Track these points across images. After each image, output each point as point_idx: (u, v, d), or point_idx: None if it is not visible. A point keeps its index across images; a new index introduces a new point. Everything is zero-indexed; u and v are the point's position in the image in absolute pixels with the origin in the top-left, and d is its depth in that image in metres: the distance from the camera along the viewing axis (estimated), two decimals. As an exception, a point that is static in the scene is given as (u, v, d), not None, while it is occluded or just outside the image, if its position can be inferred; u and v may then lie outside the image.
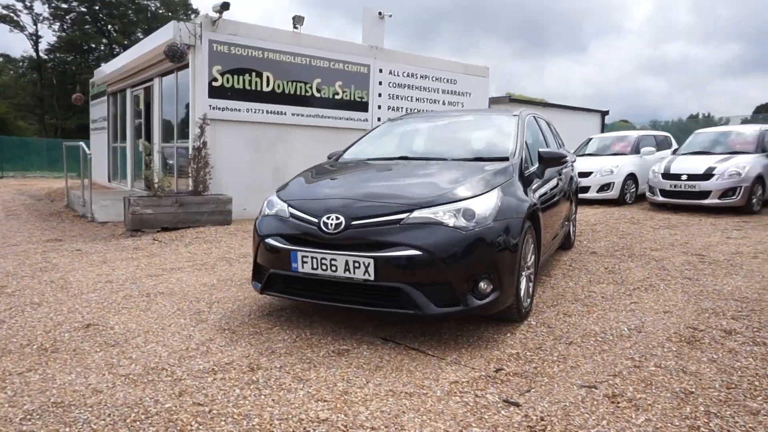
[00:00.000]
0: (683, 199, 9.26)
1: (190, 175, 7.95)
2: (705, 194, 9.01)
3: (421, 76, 10.65)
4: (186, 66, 8.56)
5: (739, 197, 8.82)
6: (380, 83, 10.07)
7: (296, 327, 3.55)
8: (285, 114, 8.96)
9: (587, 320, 3.71)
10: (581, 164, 10.01)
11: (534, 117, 5.28)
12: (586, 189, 10.34)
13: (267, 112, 8.77)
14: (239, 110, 8.51)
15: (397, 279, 3.10)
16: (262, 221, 3.74)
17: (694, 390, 2.61)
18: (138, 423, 2.28)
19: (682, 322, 3.64)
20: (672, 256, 5.77)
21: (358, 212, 3.27)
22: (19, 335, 3.35)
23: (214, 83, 8.22)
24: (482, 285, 3.18)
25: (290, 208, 3.57)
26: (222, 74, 8.29)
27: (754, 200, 8.99)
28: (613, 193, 10.43)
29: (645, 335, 3.39)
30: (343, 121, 9.66)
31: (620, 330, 3.49)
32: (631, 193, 10.71)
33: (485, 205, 3.30)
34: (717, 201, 8.94)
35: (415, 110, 10.58)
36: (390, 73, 10.19)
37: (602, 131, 15.31)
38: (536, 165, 4.38)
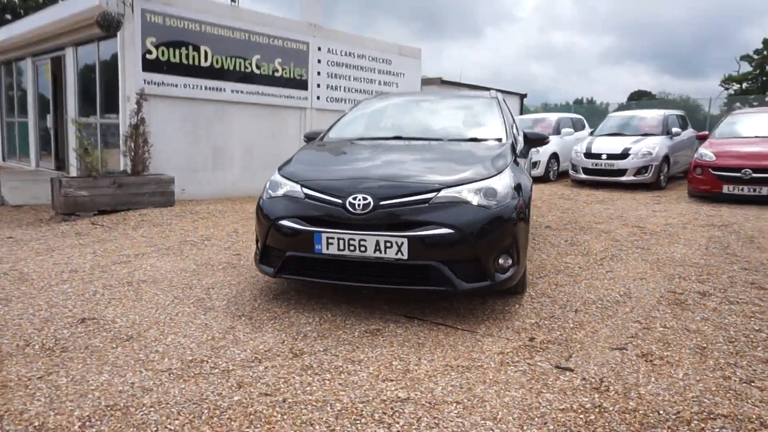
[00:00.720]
0: (604, 177, 10.13)
1: (125, 153, 7.31)
2: (622, 172, 9.93)
3: (359, 56, 10.56)
4: (110, 36, 7.80)
5: (650, 174, 9.82)
6: (319, 61, 9.85)
7: (312, 309, 3.48)
8: (224, 91, 8.49)
9: (579, 289, 4.01)
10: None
11: (503, 99, 5.50)
12: (515, 168, 10.95)
13: (205, 88, 8.25)
14: (176, 85, 7.92)
15: (430, 257, 3.14)
16: (268, 203, 3.59)
17: (706, 345, 2.95)
18: (216, 419, 2.15)
19: (660, 287, 4.05)
20: (616, 229, 6.33)
21: (386, 192, 3.26)
22: (8, 335, 2.97)
23: (148, 56, 7.57)
24: (501, 260, 3.32)
25: (305, 189, 3.46)
26: (157, 47, 7.65)
27: (662, 177, 10.06)
28: (539, 171, 11.14)
29: (637, 300, 3.75)
30: (283, 99, 9.35)
31: (613, 297, 3.82)
32: (554, 171, 11.51)
33: (503, 183, 3.43)
34: (632, 178, 9.89)
35: (354, 90, 10.50)
36: (329, 51, 9.99)
37: (521, 113, 16.23)
38: (521, 145, 4.59)
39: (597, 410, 2.25)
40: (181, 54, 7.92)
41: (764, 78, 47.09)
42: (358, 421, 2.15)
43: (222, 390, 2.39)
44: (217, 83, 8.36)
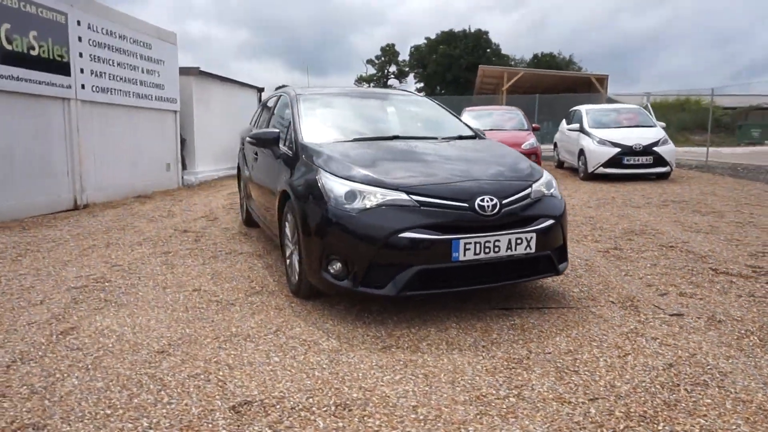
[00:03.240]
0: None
1: None
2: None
3: (120, 36, 8.73)
4: None
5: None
6: (80, 39, 7.75)
7: (422, 323, 3.27)
8: (-31, 71, 5.90)
9: (546, 260, 4.82)
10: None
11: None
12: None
13: (-57, 66, 5.58)
14: None
15: (547, 247, 3.42)
16: (364, 216, 3.14)
17: (693, 280, 4.16)
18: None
19: (587, 249, 5.23)
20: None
21: (504, 191, 3.34)
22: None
23: None
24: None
25: (414, 196, 3.19)
26: None
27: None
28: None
29: (594, 260, 4.79)
30: (43, 86, 7.04)
31: (578, 261, 4.79)
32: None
33: (551, 176, 3.93)
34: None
35: (120, 78, 8.65)
36: (89, 27, 7.95)
37: (260, 108, 15.94)
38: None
39: (751, 334, 3.09)
40: None
41: (385, 80, 58.31)
42: (675, 391, 2.42)
43: (468, 414, 2.23)
44: (-41, 61, 5.75)
